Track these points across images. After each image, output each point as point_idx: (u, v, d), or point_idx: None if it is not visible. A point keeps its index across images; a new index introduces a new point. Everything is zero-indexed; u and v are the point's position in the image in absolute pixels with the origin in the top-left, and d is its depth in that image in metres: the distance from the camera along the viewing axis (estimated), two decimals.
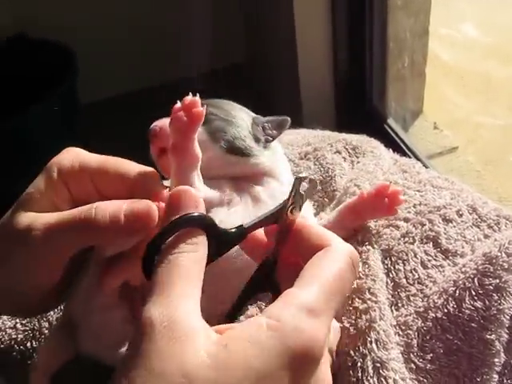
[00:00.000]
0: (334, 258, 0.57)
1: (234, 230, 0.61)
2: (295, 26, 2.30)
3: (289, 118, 0.89)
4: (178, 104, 0.72)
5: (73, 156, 0.73)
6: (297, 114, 2.29)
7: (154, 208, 0.65)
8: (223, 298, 0.71)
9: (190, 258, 0.55)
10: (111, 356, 0.72)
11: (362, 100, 2.39)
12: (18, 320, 0.86)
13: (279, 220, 0.62)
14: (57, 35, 2.52)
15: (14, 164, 2.29)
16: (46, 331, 0.85)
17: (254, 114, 0.90)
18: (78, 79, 2.45)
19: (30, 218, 0.68)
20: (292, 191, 0.62)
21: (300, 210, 0.62)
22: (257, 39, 3.02)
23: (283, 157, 0.91)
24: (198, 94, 0.72)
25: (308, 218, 0.82)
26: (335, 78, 2.43)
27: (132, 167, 0.71)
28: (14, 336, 0.85)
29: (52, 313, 0.87)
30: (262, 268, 0.64)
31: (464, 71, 2.87)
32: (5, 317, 0.87)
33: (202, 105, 0.72)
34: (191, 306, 0.52)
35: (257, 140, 0.85)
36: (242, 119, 0.86)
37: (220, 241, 0.59)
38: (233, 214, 0.79)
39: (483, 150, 2.41)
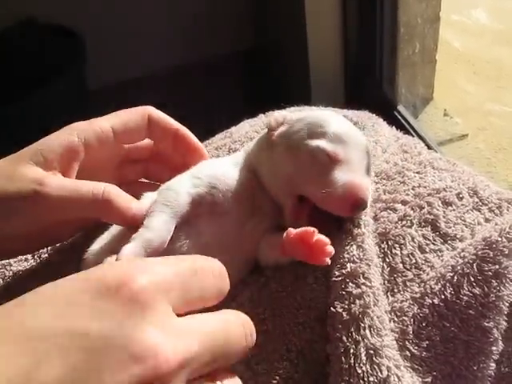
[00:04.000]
0: None
1: None
2: (305, 12, 2.28)
3: None
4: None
5: (89, 122, 0.82)
6: (306, 100, 2.26)
7: None
8: None
9: None
10: None
11: (371, 86, 2.37)
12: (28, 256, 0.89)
13: None
14: (66, 20, 2.52)
15: (19, 148, 2.28)
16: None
17: None
18: (86, 64, 2.44)
19: (43, 174, 0.76)
20: None
21: None
22: (267, 25, 3.01)
23: None
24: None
25: None
26: (345, 63, 2.42)
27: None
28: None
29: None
30: None
31: (475, 58, 2.85)
32: None
33: None
34: None
35: None
36: None
37: None
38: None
39: (493, 137, 2.39)
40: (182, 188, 0.76)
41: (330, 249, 0.69)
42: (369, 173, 0.78)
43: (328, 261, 0.69)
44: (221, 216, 0.76)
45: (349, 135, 0.77)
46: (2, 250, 0.80)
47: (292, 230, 0.70)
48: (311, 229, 0.69)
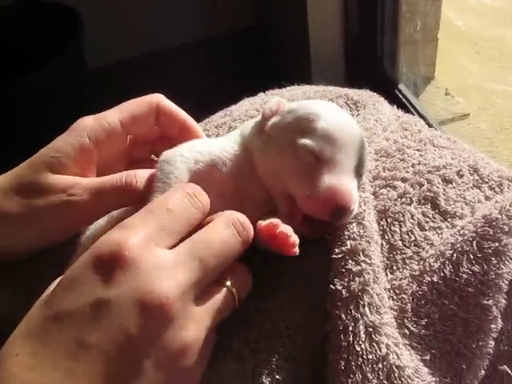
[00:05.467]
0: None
1: None
2: None
3: None
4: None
5: (96, 118, 0.81)
6: (306, 78, 2.26)
7: None
8: None
9: None
10: None
11: (372, 64, 2.35)
12: None
13: None
14: None
15: (20, 128, 2.28)
16: None
17: None
18: (84, 42, 2.43)
19: (68, 182, 0.76)
20: None
21: None
22: (267, 2, 2.99)
23: None
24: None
25: None
26: (346, 41, 2.40)
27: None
28: None
29: None
30: None
31: (477, 37, 2.84)
32: None
33: None
34: None
35: None
36: None
37: None
38: None
39: (495, 117, 2.39)
40: (183, 163, 0.75)
41: (293, 239, 0.67)
42: (360, 172, 0.75)
43: (296, 251, 0.67)
44: (216, 197, 0.73)
45: (340, 131, 0.73)
46: (19, 253, 0.80)
47: (260, 222, 0.69)
48: (275, 221, 0.68)
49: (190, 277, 0.61)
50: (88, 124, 0.79)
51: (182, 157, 0.76)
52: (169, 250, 0.62)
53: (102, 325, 0.57)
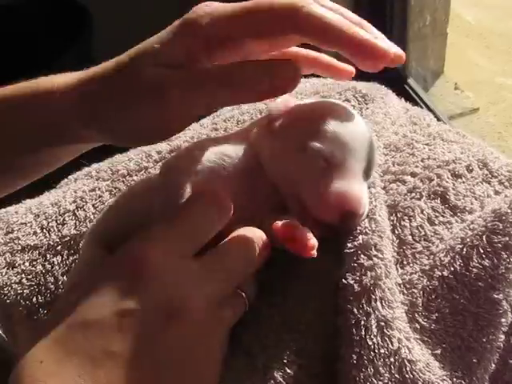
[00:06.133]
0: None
1: None
2: None
3: None
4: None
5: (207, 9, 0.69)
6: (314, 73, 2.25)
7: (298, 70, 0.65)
8: None
9: None
10: None
11: None
12: (23, 275, 0.86)
13: None
14: None
15: None
16: (52, 286, 0.85)
17: None
18: (93, 38, 2.43)
19: (164, 74, 0.67)
20: None
21: None
22: None
23: None
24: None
25: None
26: None
27: None
28: (19, 291, 0.85)
29: (57, 268, 0.86)
30: None
31: (487, 31, 2.83)
32: (10, 272, 0.86)
33: None
34: None
35: None
36: None
37: None
38: None
39: (505, 111, 2.38)
40: (185, 178, 0.72)
41: (312, 242, 0.66)
42: (369, 174, 0.74)
43: (314, 253, 0.66)
44: None
45: (351, 133, 0.71)
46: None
47: (278, 223, 0.68)
48: (292, 223, 0.68)
49: (214, 288, 0.63)
50: (198, 17, 0.70)
51: (184, 167, 0.74)
52: (191, 259, 0.64)
53: (126, 333, 0.58)
